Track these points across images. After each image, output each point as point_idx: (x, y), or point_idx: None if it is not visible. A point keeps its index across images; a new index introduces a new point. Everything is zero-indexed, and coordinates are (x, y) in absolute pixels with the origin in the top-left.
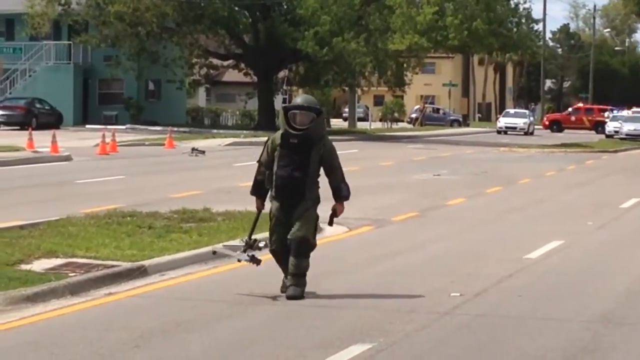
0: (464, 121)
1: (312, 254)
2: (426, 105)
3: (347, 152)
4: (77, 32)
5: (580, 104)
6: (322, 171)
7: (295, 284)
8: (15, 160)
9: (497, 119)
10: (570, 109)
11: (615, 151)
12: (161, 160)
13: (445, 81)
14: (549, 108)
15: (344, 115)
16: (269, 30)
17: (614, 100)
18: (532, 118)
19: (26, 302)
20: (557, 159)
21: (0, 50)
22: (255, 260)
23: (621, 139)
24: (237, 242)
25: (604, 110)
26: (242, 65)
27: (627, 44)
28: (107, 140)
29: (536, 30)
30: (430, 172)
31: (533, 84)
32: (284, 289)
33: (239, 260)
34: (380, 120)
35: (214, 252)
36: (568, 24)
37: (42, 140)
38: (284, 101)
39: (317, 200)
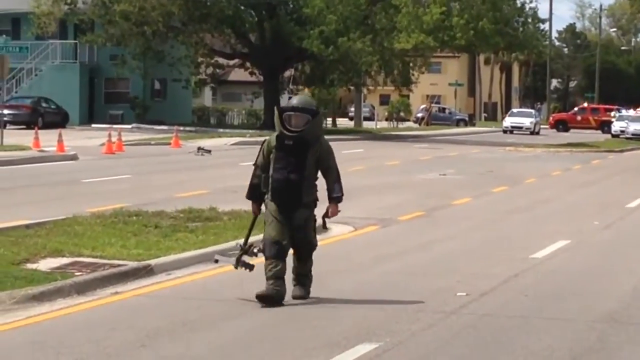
0: (470, 121)
1: (317, 254)
2: (432, 105)
3: (352, 152)
4: (83, 32)
5: (586, 104)
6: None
7: (303, 283)
8: (22, 160)
9: (503, 118)
10: (576, 109)
11: (622, 151)
12: (167, 159)
13: (451, 81)
14: (555, 108)
15: (349, 114)
16: (275, 29)
17: (620, 100)
18: (538, 118)
19: (32, 302)
20: (563, 159)
21: (6, 49)
22: (248, 266)
23: (627, 138)
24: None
25: (610, 110)
26: (248, 65)
27: (633, 44)
28: (113, 139)
29: (542, 30)
30: (436, 172)
31: (539, 84)
32: (262, 293)
33: (235, 267)
34: (386, 120)
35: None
36: (574, 23)
37: (48, 139)
38: None
39: (314, 204)
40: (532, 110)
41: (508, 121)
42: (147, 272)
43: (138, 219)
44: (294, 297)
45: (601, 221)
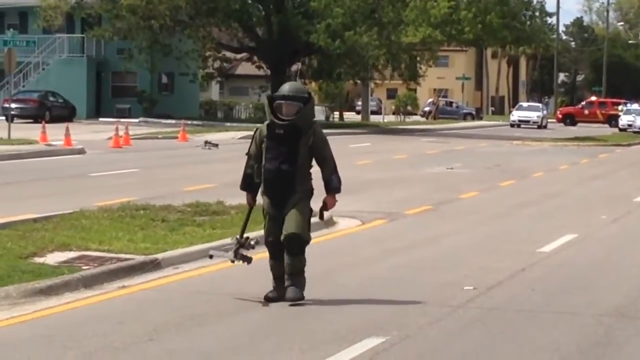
0: (477, 114)
1: (325, 248)
2: (439, 99)
3: (360, 146)
4: (90, 26)
5: (594, 98)
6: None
7: (295, 284)
8: (29, 153)
9: (510, 112)
10: (583, 103)
11: (629, 145)
12: (174, 153)
13: (458, 74)
14: (562, 101)
15: (357, 108)
16: (282, 23)
17: (627, 94)
18: (545, 111)
19: (40, 295)
20: (571, 153)
21: (13, 43)
22: (246, 259)
23: (635, 132)
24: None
25: (618, 104)
26: (255, 58)
27: None
28: (121, 133)
29: (549, 24)
30: (443, 166)
31: (546, 77)
32: (272, 293)
33: (231, 261)
34: (394, 114)
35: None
36: (581, 17)
37: (56, 133)
38: None
39: (309, 193)
40: (540, 104)
41: (515, 115)
42: (154, 266)
43: (145, 213)
44: (288, 301)
45: (608, 215)
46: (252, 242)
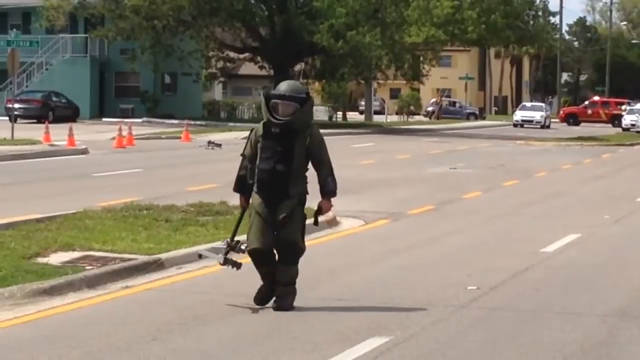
0: (480, 114)
1: (328, 248)
2: (442, 99)
3: (363, 146)
4: (93, 26)
5: (597, 97)
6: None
7: (285, 294)
8: (32, 154)
9: (513, 112)
10: (586, 102)
11: (632, 144)
12: (177, 153)
13: (461, 74)
14: (566, 101)
15: (360, 108)
16: (285, 23)
17: (631, 94)
18: (548, 111)
19: (43, 296)
20: (574, 152)
21: (17, 43)
22: (235, 264)
23: (638, 132)
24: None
25: (621, 104)
26: (258, 59)
27: None
28: (124, 133)
29: (553, 24)
30: (446, 166)
31: (549, 77)
32: (259, 294)
33: (221, 264)
34: (397, 114)
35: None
36: (584, 17)
37: (59, 133)
38: None
39: (303, 197)
40: (543, 104)
41: (518, 115)
42: (157, 266)
43: (149, 213)
44: (276, 310)
45: (612, 215)
46: (242, 247)
